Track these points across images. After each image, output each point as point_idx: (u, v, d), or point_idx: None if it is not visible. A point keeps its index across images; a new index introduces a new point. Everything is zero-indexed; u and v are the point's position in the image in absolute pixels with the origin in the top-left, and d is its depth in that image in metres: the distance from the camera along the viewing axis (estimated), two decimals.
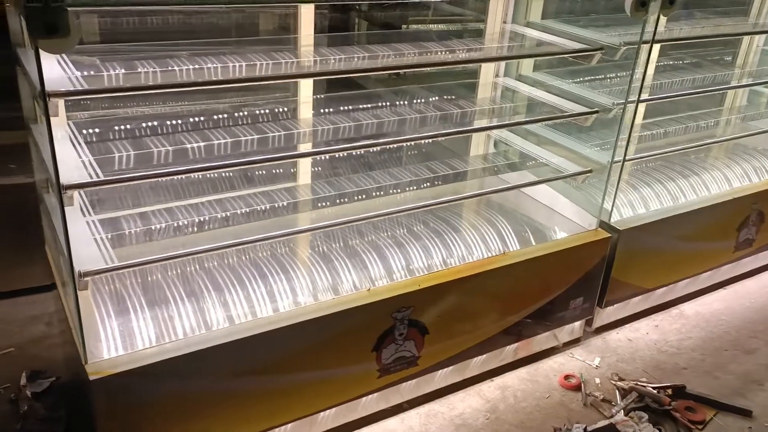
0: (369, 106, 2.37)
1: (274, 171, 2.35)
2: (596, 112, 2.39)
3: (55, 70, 1.74)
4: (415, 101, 2.45)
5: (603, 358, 2.68)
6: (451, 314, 2.23)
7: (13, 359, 2.50)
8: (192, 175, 2.00)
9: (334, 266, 2.17)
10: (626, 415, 2.35)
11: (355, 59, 2.09)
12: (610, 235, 2.50)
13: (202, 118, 2.16)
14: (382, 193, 2.35)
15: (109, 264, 1.69)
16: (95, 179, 1.65)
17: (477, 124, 2.46)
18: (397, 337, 2.13)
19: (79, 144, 1.83)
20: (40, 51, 1.37)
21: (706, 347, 2.78)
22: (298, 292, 2.06)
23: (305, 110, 2.25)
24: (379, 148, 2.36)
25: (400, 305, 2.08)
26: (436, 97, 2.49)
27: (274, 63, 1.99)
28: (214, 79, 1.80)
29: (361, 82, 2.53)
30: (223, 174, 2.25)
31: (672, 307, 3.04)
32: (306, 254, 2.23)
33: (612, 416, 2.35)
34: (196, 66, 1.85)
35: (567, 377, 2.53)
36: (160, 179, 2.01)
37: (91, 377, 1.64)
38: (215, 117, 2.19)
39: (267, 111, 2.29)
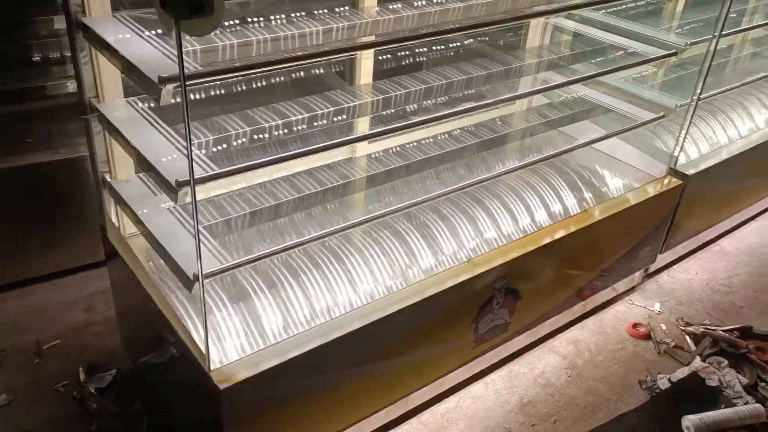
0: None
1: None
2: (674, 54, 2.28)
3: (140, 45, 1.51)
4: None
5: (662, 302, 2.69)
6: (541, 277, 2.17)
7: (63, 352, 2.31)
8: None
9: (429, 234, 2.05)
10: (704, 361, 2.39)
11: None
12: (681, 182, 2.46)
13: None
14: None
15: (225, 263, 1.53)
16: (210, 173, 1.46)
17: (551, 77, 2.31)
18: (494, 306, 2.06)
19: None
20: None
21: (756, 283, 2.83)
22: (394, 271, 1.95)
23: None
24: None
25: (500, 274, 2.00)
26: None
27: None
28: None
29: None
30: None
31: (712, 244, 3.07)
32: (383, 233, 2.08)
33: (689, 363, 2.38)
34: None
35: (635, 326, 2.54)
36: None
37: (221, 386, 1.51)
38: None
39: None
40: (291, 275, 1.85)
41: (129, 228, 1.92)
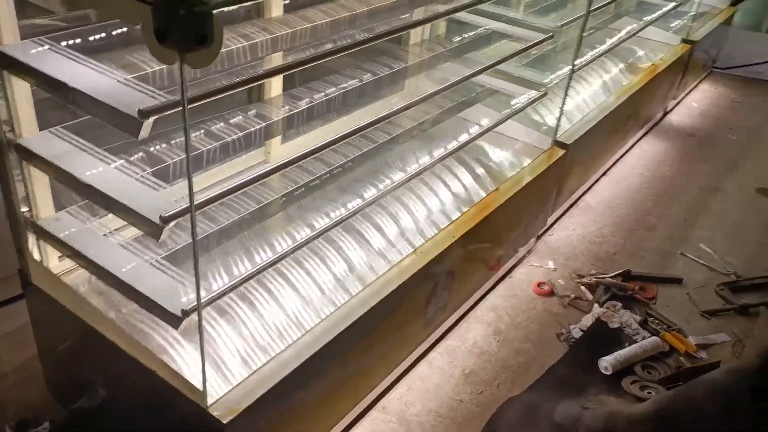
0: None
1: None
2: (551, 37, 2.51)
3: (76, 69, 1.38)
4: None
5: (554, 260, 2.99)
6: (471, 255, 2.32)
7: None
8: None
9: (362, 238, 2.10)
10: (602, 306, 2.71)
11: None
12: (564, 151, 2.73)
13: None
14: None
15: (212, 293, 1.47)
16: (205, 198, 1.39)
17: (453, 69, 2.43)
18: (439, 289, 2.17)
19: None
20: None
21: (620, 231, 3.24)
22: (350, 270, 1.98)
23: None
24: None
25: (444, 258, 2.11)
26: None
27: None
28: None
29: None
30: None
31: (579, 201, 3.44)
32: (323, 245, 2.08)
33: (591, 311, 2.69)
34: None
35: (539, 285, 2.81)
36: None
37: (224, 420, 1.46)
38: None
39: None
40: (241, 299, 1.81)
41: (59, 266, 1.76)
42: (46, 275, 1.75)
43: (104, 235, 1.70)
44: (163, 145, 1.75)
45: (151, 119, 1.24)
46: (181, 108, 1.20)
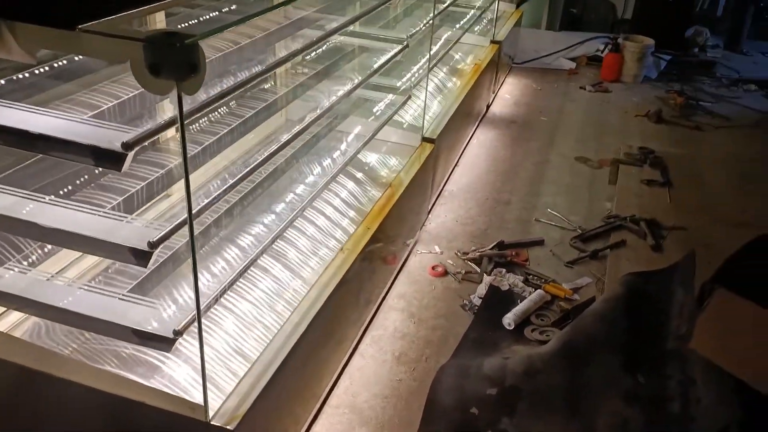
0: None
1: None
2: (406, 46, 2.83)
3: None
4: None
5: (439, 244, 3.31)
6: (377, 250, 2.54)
7: None
8: None
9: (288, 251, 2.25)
10: (490, 275, 3.06)
11: None
12: (433, 145, 3.06)
13: None
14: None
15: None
16: (169, 228, 1.46)
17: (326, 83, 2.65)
18: (365, 279, 2.37)
19: None
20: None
21: (483, 211, 3.65)
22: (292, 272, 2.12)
23: None
24: None
25: (365, 251, 2.31)
26: None
27: None
28: None
29: None
30: None
31: (443, 190, 3.81)
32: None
33: (482, 281, 3.03)
34: None
35: (434, 267, 3.11)
36: None
37: (229, 426, 1.54)
38: None
39: None
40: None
41: None
42: None
43: (47, 279, 1.68)
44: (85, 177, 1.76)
45: (134, 151, 1.32)
46: (157, 136, 1.30)
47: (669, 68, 6.09)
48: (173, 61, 1.17)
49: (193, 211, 1.61)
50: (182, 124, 1.25)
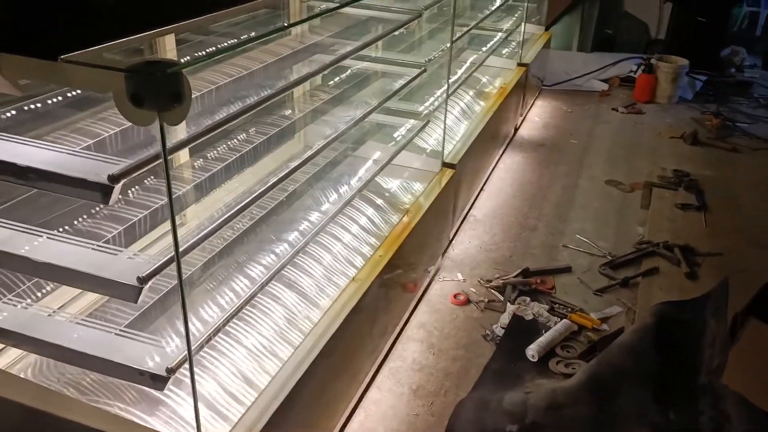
0: None
1: None
2: (424, 70, 2.78)
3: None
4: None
5: (461, 272, 3.22)
6: (398, 277, 2.47)
7: None
8: None
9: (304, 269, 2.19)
10: (513, 303, 2.96)
11: None
12: (454, 171, 2.99)
13: None
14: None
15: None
16: (161, 262, 1.42)
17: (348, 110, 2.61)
18: (380, 308, 2.30)
19: None
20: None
21: (508, 237, 3.55)
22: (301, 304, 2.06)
23: None
24: None
25: (381, 279, 2.24)
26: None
27: None
28: None
29: None
30: None
31: (468, 216, 3.73)
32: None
33: (506, 310, 2.93)
34: None
35: (455, 296, 3.01)
36: None
37: None
38: None
39: None
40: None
41: None
42: None
43: (49, 315, 1.66)
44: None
45: (121, 183, 1.29)
46: (145, 169, 1.26)
47: (705, 89, 5.91)
48: (155, 91, 1.13)
49: (198, 240, 1.59)
50: (165, 157, 1.21)
